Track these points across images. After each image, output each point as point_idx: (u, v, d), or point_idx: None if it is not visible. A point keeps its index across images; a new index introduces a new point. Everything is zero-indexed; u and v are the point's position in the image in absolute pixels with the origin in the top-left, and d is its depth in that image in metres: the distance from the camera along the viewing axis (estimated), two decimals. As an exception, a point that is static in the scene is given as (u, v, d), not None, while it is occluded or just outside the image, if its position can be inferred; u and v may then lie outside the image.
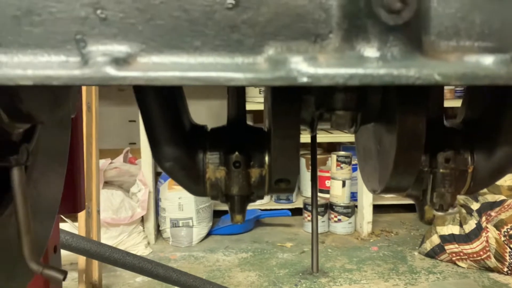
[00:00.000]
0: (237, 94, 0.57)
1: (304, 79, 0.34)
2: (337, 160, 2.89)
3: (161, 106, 0.51)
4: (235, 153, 0.53)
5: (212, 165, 0.54)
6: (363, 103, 0.54)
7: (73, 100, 0.87)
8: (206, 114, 3.17)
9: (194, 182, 0.55)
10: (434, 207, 0.54)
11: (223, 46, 0.37)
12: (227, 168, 0.53)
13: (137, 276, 2.20)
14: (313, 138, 0.66)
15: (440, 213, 0.54)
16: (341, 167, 2.89)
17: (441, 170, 0.53)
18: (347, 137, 3.13)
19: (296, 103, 0.49)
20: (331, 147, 3.36)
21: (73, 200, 0.97)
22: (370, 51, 0.35)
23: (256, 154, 0.54)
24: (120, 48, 0.37)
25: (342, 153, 2.95)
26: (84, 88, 2.04)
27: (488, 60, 0.35)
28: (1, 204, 0.65)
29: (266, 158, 0.54)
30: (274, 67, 0.35)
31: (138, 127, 2.74)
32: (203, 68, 0.36)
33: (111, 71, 0.35)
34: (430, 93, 0.56)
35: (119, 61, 0.36)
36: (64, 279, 0.60)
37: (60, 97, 0.60)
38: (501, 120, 0.53)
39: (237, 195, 0.54)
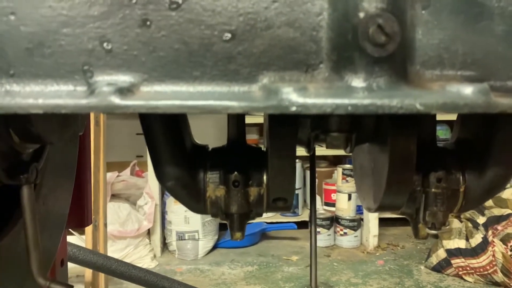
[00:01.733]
0: (237, 115, 0.60)
1: (294, 108, 0.36)
2: (343, 173, 2.90)
3: (164, 128, 0.54)
4: (235, 173, 0.55)
5: (213, 184, 0.56)
6: (357, 125, 0.56)
7: (82, 120, 0.90)
8: (213, 127, 3.20)
9: (195, 201, 0.57)
10: (427, 226, 0.56)
11: (220, 76, 0.40)
12: (226, 187, 0.56)
13: (143, 289, 2.22)
14: (312, 156, 0.68)
15: (432, 232, 0.55)
16: (347, 180, 2.90)
17: (433, 190, 0.55)
18: (352, 150, 3.14)
19: (292, 125, 0.52)
20: (337, 160, 3.37)
21: (80, 215, 0.99)
22: (357, 82, 0.38)
23: (254, 174, 0.56)
24: (124, 78, 0.39)
25: (348, 166, 2.96)
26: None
27: (468, 89, 0.37)
28: (11, 220, 0.68)
29: (264, 178, 0.56)
30: (267, 96, 0.38)
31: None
32: (202, 96, 0.39)
33: (116, 100, 0.37)
34: (422, 115, 0.58)
35: (123, 91, 0.38)
36: (70, 293, 0.62)
37: (69, 119, 0.63)
38: (491, 142, 0.55)
39: (236, 213, 0.56)
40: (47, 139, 0.55)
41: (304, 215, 3.13)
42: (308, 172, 3.26)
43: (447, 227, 2.38)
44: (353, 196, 2.87)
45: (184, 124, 0.58)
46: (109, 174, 2.65)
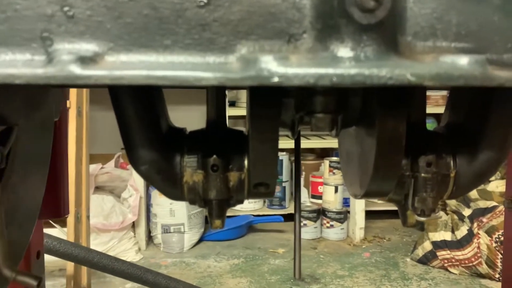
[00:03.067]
0: (216, 96, 0.56)
1: (275, 79, 0.33)
2: (330, 166, 2.88)
3: (137, 106, 0.50)
4: (213, 156, 0.52)
5: (190, 168, 0.52)
6: (344, 106, 0.53)
7: (56, 103, 0.85)
8: (199, 119, 3.16)
9: (171, 186, 0.53)
10: (416, 212, 0.53)
11: (194, 45, 0.36)
12: (205, 172, 0.52)
13: (127, 283, 2.18)
14: (297, 141, 0.65)
15: (422, 218, 0.53)
16: (334, 173, 2.88)
17: (422, 174, 0.52)
18: (340, 142, 3.12)
19: (275, 106, 0.49)
20: (324, 153, 3.35)
21: (56, 205, 0.95)
22: (344, 51, 0.35)
23: (235, 158, 0.53)
24: (87, 47, 0.36)
25: (334, 158, 2.95)
26: (74, 93, 2.03)
27: (463, 60, 0.34)
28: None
29: (245, 162, 0.53)
30: (245, 66, 0.34)
31: (130, 132, 2.72)
32: (173, 67, 0.35)
33: (76, 69, 0.34)
34: (412, 97, 0.55)
35: (85, 60, 0.35)
36: (38, 286, 0.58)
37: (37, 99, 0.59)
38: (484, 125, 0.53)
39: (215, 200, 0.53)
40: (10, 120, 0.51)
41: (291, 208, 3.10)
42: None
43: (437, 214, 2.37)
44: (340, 188, 2.85)
45: (159, 104, 0.54)
46: (92, 166, 2.59)
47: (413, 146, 0.52)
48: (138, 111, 0.51)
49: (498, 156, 0.53)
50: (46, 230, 1.99)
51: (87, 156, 2.12)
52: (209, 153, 0.52)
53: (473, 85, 0.33)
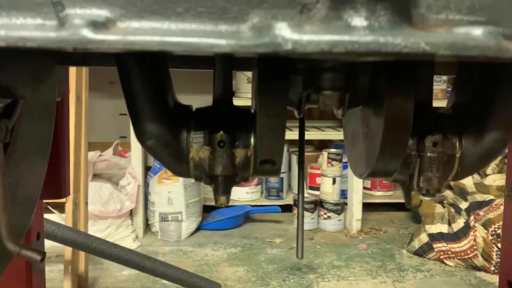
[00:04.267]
0: (223, 73, 0.56)
1: (289, 46, 0.33)
2: (328, 157, 2.89)
3: (144, 79, 0.50)
4: (220, 132, 0.52)
5: (196, 144, 0.52)
6: (352, 84, 0.53)
7: (59, 82, 0.85)
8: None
9: (177, 162, 0.53)
10: (421, 192, 0.53)
11: (207, 13, 0.36)
12: (211, 148, 0.52)
13: (124, 269, 2.18)
14: (301, 120, 0.65)
15: (426, 198, 0.53)
16: (332, 164, 2.89)
17: (428, 154, 0.52)
18: (338, 134, 3.12)
19: (283, 81, 0.48)
20: (322, 145, 3.36)
21: (57, 186, 0.95)
22: (358, 21, 0.35)
23: (241, 135, 0.53)
24: (99, 13, 0.35)
25: (333, 150, 2.95)
26: (73, 78, 2.02)
27: (477, 31, 0.34)
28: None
29: (252, 139, 0.53)
30: (258, 34, 0.34)
31: (129, 121, 2.71)
32: (185, 34, 0.35)
33: (89, 34, 0.34)
34: (419, 76, 0.55)
35: (97, 25, 0.34)
36: (42, 260, 0.58)
37: (43, 72, 0.59)
38: (490, 104, 0.53)
39: (221, 176, 0.53)
40: (17, 92, 0.51)
41: (289, 199, 3.11)
42: (293, 156, 3.24)
43: (442, 194, 2.38)
44: (338, 180, 2.86)
45: (166, 79, 0.54)
46: (91, 153, 2.59)
47: (419, 125, 0.52)
48: (145, 84, 0.51)
49: (503, 137, 0.53)
50: (45, 215, 1.99)
51: (86, 143, 2.12)
52: (216, 129, 0.52)
53: (487, 56, 0.33)
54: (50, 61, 0.55)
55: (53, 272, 2.20)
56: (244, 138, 0.53)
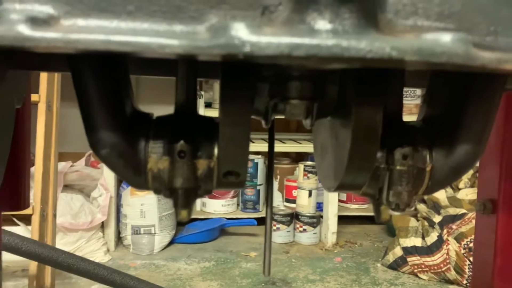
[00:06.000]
0: (186, 80, 0.53)
1: (247, 48, 0.30)
2: (304, 170, 2.88)
3: (99, 85, 0.47)
4: (181, 142, 0.49)
5: (155, 154, 0.49)
6: (319, 94, 0.51)
7: (17, 88, 0.81)
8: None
9: (134, 173, 0.50)
10: (390, 207, 0.51)
11: (160, 12, 0.34)
12: (171, 158, 0.49)
13: (93, 284, 2.10)
14: (270, 130, 0.62)
15: (396, 213, 0.51)
16: (308, 177, 2.87)
17: (398, 167, 0.50)
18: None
19: (248, 89, 0.46)
20: (299, 157, 3.34)
21: (16, 197, 0.90)
22: (321, 24, 0.32)
23: (204, 145, 0.50)
24: (41, 8, 0.32)
25: (309, 163, 2.94)
26: (44, 86, 1.96)
27: (446, 37, 0.32)
28: None
29: (215, 149, 0.50)
30: (214, 35, 0.32)
31: (102, 130, 2.65)
32: (134, 33, 0.32)
33: (26, 30, 0.30)
34: (389, 87, 0.54)
35: (38, 21, 0.31)
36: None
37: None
38: (461, 117, 0.51)
39: (181, 188, 0.50)
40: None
41: (264, 212, 3.08)
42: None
43: (412, 209, 2.38)
44: (314, 192, 2.85)
45: (124, 85, 0.51)
46: (62, 164, 2.51)
47: (389, 138, 0.50)
48: (100, 90, 0.47)
49: (475, 150, 0.51)
50: (10, 228, 1.91)
51: (56, 153, 2.05)
52: (176, 138, 0.49)
53: (455, 64, 0.31)
54: (1, 64, 0.51)
55: (18, 287, 2.11)
56: (207, 148, 0.50)
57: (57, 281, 2.07)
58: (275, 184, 3.19)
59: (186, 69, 0.52)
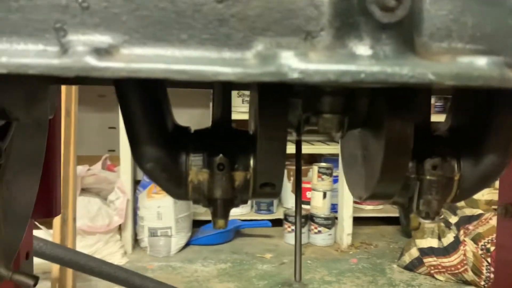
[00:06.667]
0: (222, 95, 0.56)
1: (295, 75, 0.33)
2: (319, 172, 2.89)
3: (143, 103, 0.50)
4: (220, 155, 0.51)
5: (195, 167, 0.52)
6: (351, 107, 0.53)
7: (51, 100, 0.84)
8: (188, 123, 3.14)
9: (175, 185, 0.52)
10: (420, 215, 0.53)
11: (211, 40, 0.36)
12: (210, 171, 0.52)
13: (113, 286, 2.14)
14: (298, 142, 0.64)
15: (426, 221, 0.53)
16: (322, 179, 2.89)
17: (428, 177, 0.52)
18: (328, 148, 3.13)
19: (284, 104, 0.48)
20: (312, 159, 3.36)
21: (48, 205, 0.93)
22: (362, 49, 0.35)
23: (240, 157, 0.52)
24: (102, 39, 0.35)
25: (323, 164, 2.96)
26: (63, 92, 2.00)
27: (481, 61, 0.34)
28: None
29: (251, 161, 0.52)
30: (264, 62, 0.34)
31: (118, 134, 2.70)
32: (190, 61, 0.35)
33: (92, 61, 0.33)
34: (417, 99, 0.56)
35: (101, 52, 0.34)
36: (34, 285, 0.57)
37: (37, 94, 0.58)
38: (486, 129, 0.53)
39: (220, 199, 0.52)
40: (11, 115, 0.50)
41: (279, 213, 3.10)
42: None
43: (441, 217, 2.39)
44: (328, 194, 2.86)
45: (165, 102, 0.53)
46: (79, 168, 2.55)
47: (418, 148, 0.52)
48: (144, 108, 0.50)
49: (501, 160, 0.53)
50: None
51: (75, 158, 2.09)
52: (215, 152, 0.52)
53: (491, 86, 0.33)
54: (46, 82, 0.54)
55: (40, 289, 2.16)
56: (243, 160, 0.52)
57: (78, 283, 2.11)
58: (288, 186, 3.21)
59: (223, 86, 0.55)
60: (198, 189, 0.52)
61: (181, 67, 0.33)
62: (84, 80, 0.60)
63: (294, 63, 0.33)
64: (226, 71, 0.34)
